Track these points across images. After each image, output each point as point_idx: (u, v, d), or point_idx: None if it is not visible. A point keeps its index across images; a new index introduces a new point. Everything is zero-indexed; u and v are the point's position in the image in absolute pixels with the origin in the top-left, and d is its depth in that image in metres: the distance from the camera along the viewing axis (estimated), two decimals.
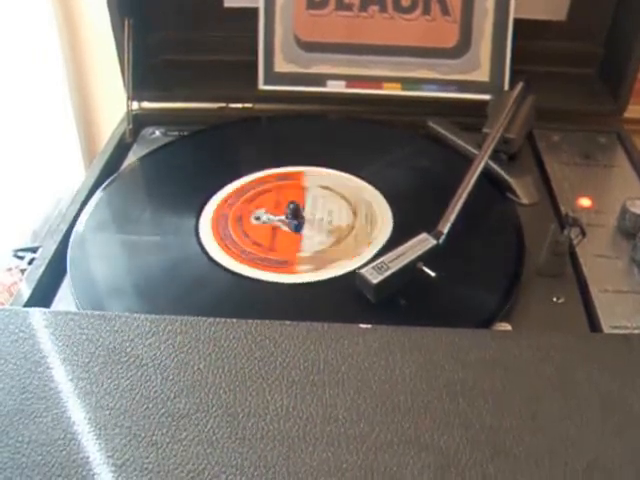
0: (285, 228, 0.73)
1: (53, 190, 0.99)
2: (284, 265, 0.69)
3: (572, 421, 0.49)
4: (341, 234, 0.73)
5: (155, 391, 0.51)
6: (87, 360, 0.53)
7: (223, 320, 0.56)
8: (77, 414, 0.49)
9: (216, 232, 0.73)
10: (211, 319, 0.56)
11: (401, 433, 0.48)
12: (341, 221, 0.74)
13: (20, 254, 0.82)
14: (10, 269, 0.81)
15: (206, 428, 0.48)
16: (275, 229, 0.73)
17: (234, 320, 0.56)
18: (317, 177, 0.81)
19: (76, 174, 1.04)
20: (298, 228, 0.73)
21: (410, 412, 0.49)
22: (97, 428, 0.48)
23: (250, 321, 0.55)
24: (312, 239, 0.72)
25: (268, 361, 0.53)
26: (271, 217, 0.75)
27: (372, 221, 0.74)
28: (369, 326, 0.55)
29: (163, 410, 0.49)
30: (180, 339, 0.54)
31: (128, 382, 0.51)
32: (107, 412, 0.49)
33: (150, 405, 0.50)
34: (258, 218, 0.75)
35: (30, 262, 0.71)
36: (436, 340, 0.54)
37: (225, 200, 0.78)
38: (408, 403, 0.50)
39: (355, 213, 0.75)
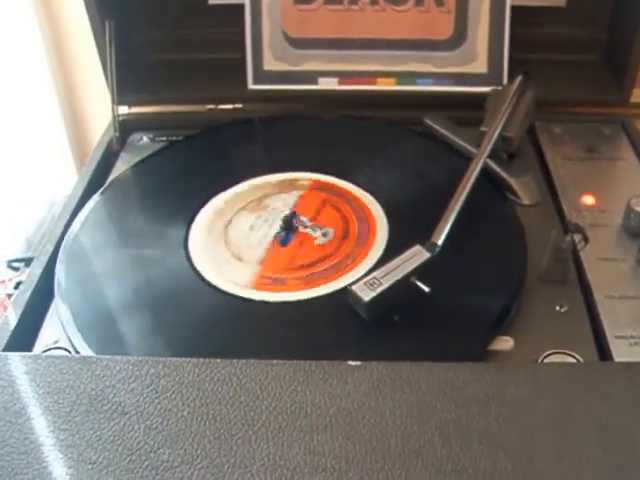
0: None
1: (45, 195, 0.97)
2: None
3: (570, 461, 0.47)
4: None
5: (138, 442, 0.49)
6: (69, 409, 0.51)
7: (207, 361, 0.54)
8: (59, 469, 0.48)
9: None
10: (194, 360, 0.54)
11: None
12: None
13: (15, 265, 0.81)
14: (4, 281, 0.80)
15: None
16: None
17: (218, 360, 0.54)
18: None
19: (68, 177, 1.02)
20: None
21: (401, 457, 0.48)
22: None
23: (235, 361, 0.54)
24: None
25: (254, 405, 0.51)
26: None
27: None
28: (358, 363, 0.53)
29: (147, 462, 0.48)
30: (163, 383, 0.53)
31: (110, 433, 0.50)
32: (89, 466, 0.48)
33: (133, 457, 0.48)
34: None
35: (16, 286, 0.70)
36: (428, 376, 0.52)
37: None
38: (399, 448, 0.48)
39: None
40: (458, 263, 0.67)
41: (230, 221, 0.74)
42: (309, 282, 0.66)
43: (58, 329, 0.64)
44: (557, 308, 0.64)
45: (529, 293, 0.65)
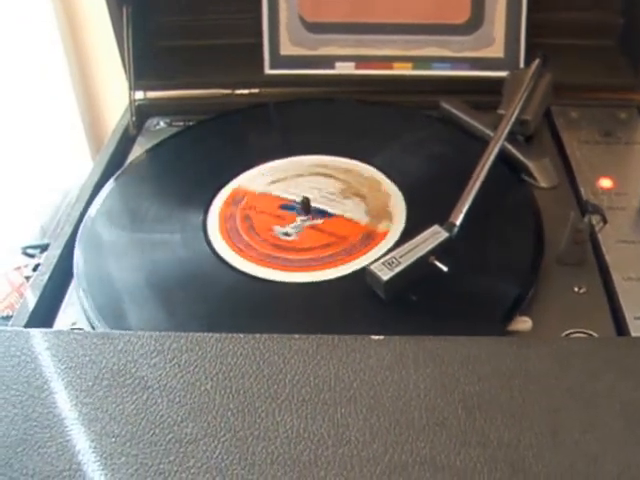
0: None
1: (60, 183, 0.97)
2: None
3: (593, 435, 0.47)
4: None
5: (161, 415, 0.49)
6: (91, 384, 0.51)
7: (230, 335, 0.54)
8: (82, 443, 0.48)
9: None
10: (217, 335, 0.54)
11: (416, 454, 0.46)
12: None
13: (30, 251, 0.81)
14: (19, 268, 0.80)
15: (214, 454, 0.47)
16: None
17: (241, 335, 0.54)
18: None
19: (83, 164, 1.02)
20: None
21: (425, 430, 0.47)
22: (103, 457, 0.47)
23: (258, 336, 0.54)
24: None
25: (277, 379, 0.51)
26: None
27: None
28: (381, 337, 0.53)
29: (170, 436, 0.48)
30: (186, 357, 0.53)
31: (133, 406, 0.50)
32: (113, 440, 0.48)
33: (157, 431, 0.48)
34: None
35: (35, 268, 0.70)
36: (451, 350, 0.52)
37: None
38: (423, 420, 0.48)
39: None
40: (476, 245, 0.67)
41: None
42: (265, 261, 0.67)
43: (76, 311, 0.64)
44: (575, 289, 0.64)
45: (547, 274, 0.65)
